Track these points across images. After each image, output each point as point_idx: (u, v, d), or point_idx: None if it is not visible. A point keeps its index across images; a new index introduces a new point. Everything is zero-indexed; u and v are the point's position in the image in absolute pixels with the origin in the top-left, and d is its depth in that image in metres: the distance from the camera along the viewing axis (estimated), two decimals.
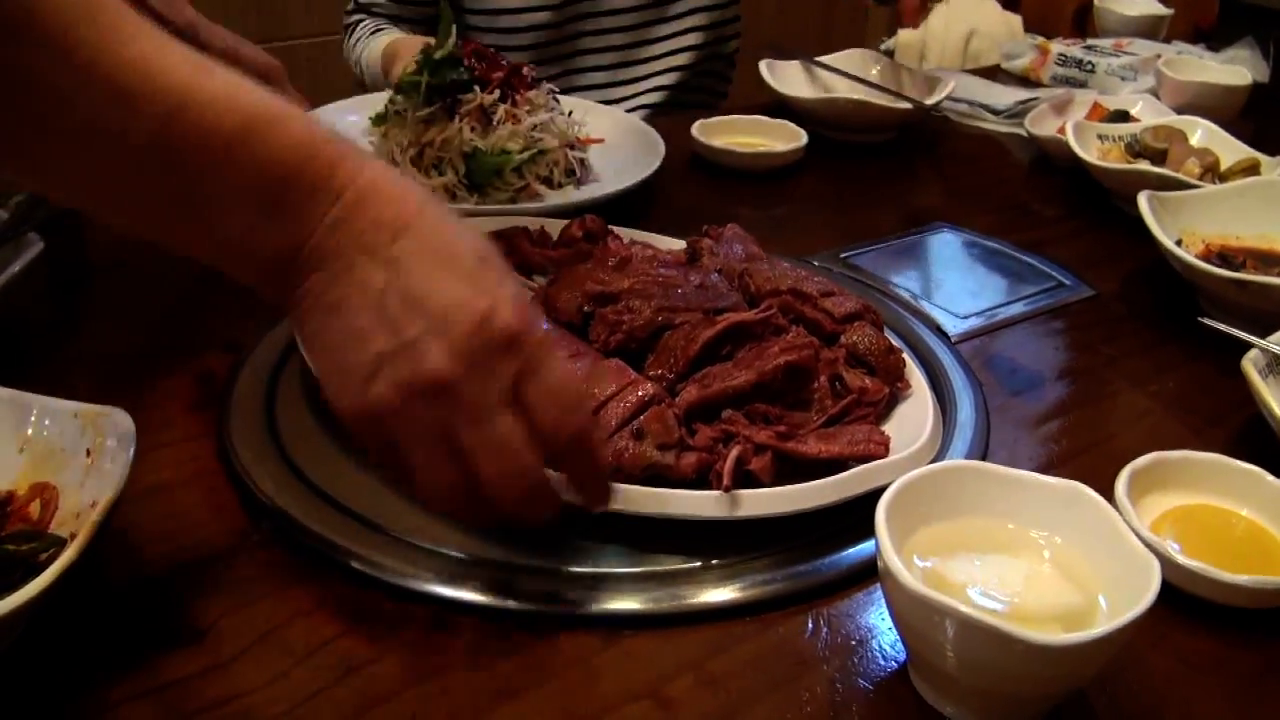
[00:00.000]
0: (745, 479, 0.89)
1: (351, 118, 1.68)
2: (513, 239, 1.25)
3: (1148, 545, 0.74)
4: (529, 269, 1.22)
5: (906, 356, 1.07)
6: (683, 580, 0.84)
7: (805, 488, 0.88)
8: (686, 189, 1.68)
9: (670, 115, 2.08)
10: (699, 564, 0.86)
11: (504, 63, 1.58)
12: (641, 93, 2.12)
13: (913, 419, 1.00)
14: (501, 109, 1.51)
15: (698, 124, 1.77)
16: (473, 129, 1.50)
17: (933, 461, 0.99)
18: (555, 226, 1.30)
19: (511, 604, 0.81)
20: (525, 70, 1.59)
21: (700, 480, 0.89)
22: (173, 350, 1.15)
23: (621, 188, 1.48)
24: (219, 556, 0.86)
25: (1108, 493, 0.87)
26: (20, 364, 1.10)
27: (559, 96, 1.64)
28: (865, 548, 0.88)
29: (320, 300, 0.73)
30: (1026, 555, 0.78)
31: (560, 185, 1.53)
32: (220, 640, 0.78)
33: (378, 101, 1.61)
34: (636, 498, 0.86)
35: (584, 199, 1.47)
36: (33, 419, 0.87)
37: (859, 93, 1.91)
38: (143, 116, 0.67)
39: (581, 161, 1.58)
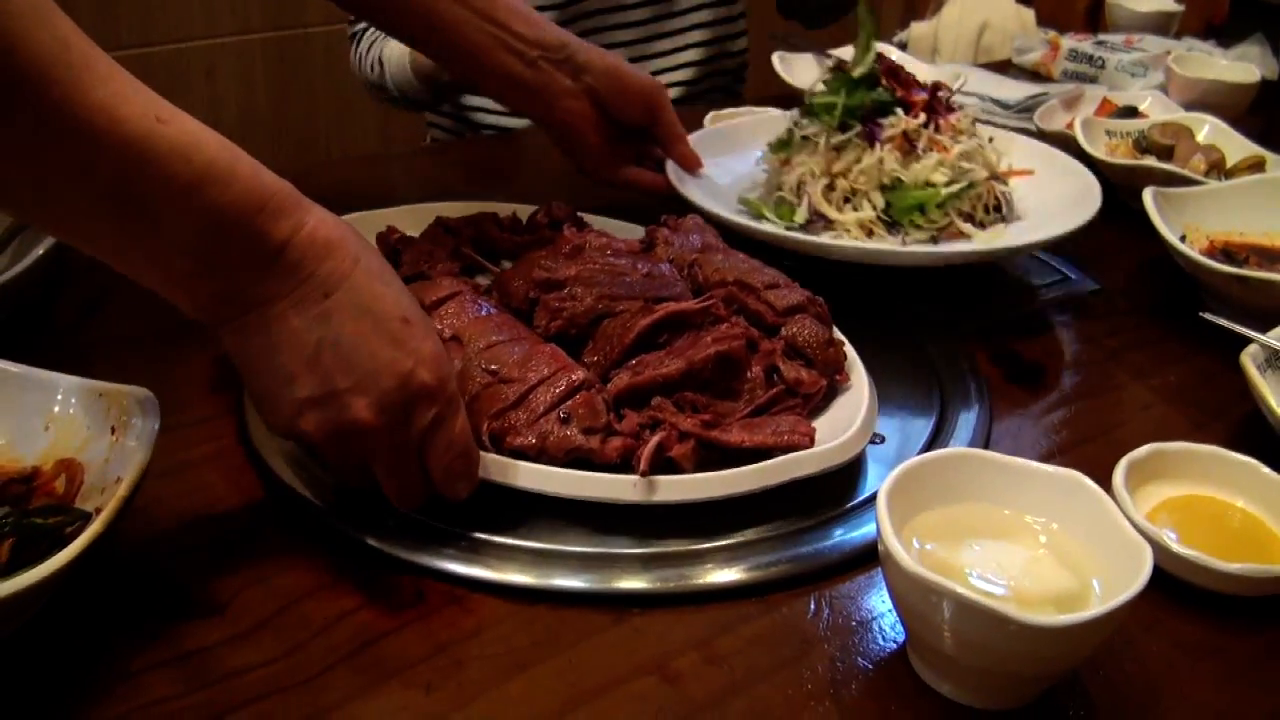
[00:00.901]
0: (669, 466, 0.91)
1: None
2: (481, 224, 1.27)
3: (1143, 533, 0.76)
4: (496, 254, 1.24)
5: (849, 350, 1.07)
6: (689, 561, 0.86)
7: (721, 475, 0.90)
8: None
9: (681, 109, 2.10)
10: (705, 546, 0.88)
11: (920, 82, 1.44)
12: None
13: (849, 412, 1.01)
14: (925, 135, 1.37)
15: (710, 115, 1.79)
16: (896, 158, 1.36)
17: (924, 451, 1.02)
18: (525, 214, 1.31)
19: (522, 580, 0.84)
20: (942, 90, 1.44)
21: (625, 465, 0.90)
22: (191, 334, 1.15)
23: (1060, 232, 1.28)
24: (239, 532, 0.89)
25: (1106, 482, 0.89)
26: (42, 347, 1.12)
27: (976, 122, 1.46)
28: (867, 532, 0.90)
29: (252, 339, 0.80)
30: (1023, 541, 0.80)
31: (983, 224, 1.37)
32: (240, 612, 0.81)
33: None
34: (557, 479, 0.89)
35: (1018, 243, 1.29)
36: (59, 398, 0.90)
37: None
38: (104, 160, 0.70)
39: (1008, 197, 1.42)
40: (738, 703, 0.75)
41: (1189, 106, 1.90)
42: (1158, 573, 0.71)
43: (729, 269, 1.13)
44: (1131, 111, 1.86)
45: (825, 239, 1.31)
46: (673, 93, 2.13)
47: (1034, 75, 2.31)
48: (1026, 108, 2.00)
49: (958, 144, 1.37)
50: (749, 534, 0.90)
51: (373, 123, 3.21)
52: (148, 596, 0.82)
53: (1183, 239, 1.32)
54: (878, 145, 1.35)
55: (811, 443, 0.94)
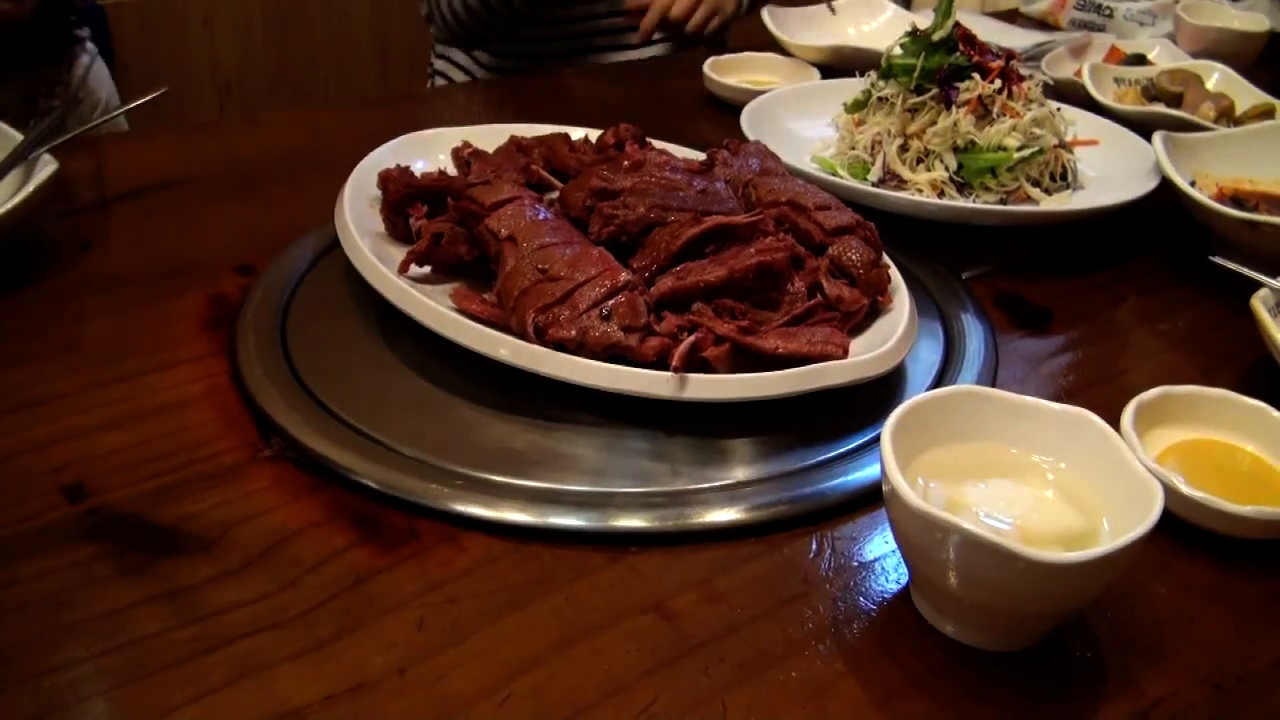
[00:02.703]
0: (703, 367, 0.91)
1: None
2: (552, 144, 1.28)
3: (1151, 473, 0.74)
4: (566, 175, 1.23)
5: (895, 274, 1.08)
6: (689, 500, 0.85)
7: (752, 378, 0.91)
8: (696, 128, 1.69)
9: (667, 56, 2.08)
10: (705, 485, 0.86)
11: (993, 49, 1.45)
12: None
13: (888, 331, 1.01)
14: (1000, 100, 1.38)
15: (710, 61, 1.77)
16: (970, 121, 1.37)
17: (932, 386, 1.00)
18: (594, 136, 1.32)
19: (519, 519, 0.82)
20: (1015, 58, 1.45)
21: (661, 364, 0.91)
22: (185, 273, 1.15)
23: (1122, 200, 1.31)
24: (230, 469, 0.87)
25: (1114, 425, 0.87)
26: (35, 284, 1.11)
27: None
28: (870, 473, 0.88)
29: None
30: (1031, 480, 0.78)
31: (1049, 191, 1.39)
32: (230, 549, 0.79)
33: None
34: (592, 370, 0.90)
35: (1081, 207, 1.33)
36: None
37: (867, 41, 1.90)
38: None
39: (1073, 165, 1.44)
40: (736, 641, 0.74)
41: (1197, 55, 1.87)
42: (1166, 516, 0.70)
43: (783, 190, 1.13)
44: (1140, 59, 1.83)
45: (901, 195, 1.32)
46: (657, 48, 2.11)
47: (1041, 24, 2.28)
48: (1034, 55, 1.97)
49: (1029, 111, 1.39)
50: (750, 471, 0.89)
51: (373, 70, 3.19)
52: (134, 533, 0.80)
53: (1192, 184, 1.30)
54: (953, 108, 1.37)
55: (845, 354, 0.94)
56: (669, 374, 0.89)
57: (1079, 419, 0.78)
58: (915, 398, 0.78)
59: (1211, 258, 1.13)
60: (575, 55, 2.08)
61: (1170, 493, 0.81)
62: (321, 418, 0.91)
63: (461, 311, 0.99)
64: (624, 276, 0.96)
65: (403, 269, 1.04)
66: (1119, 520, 0.73)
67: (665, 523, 0.83)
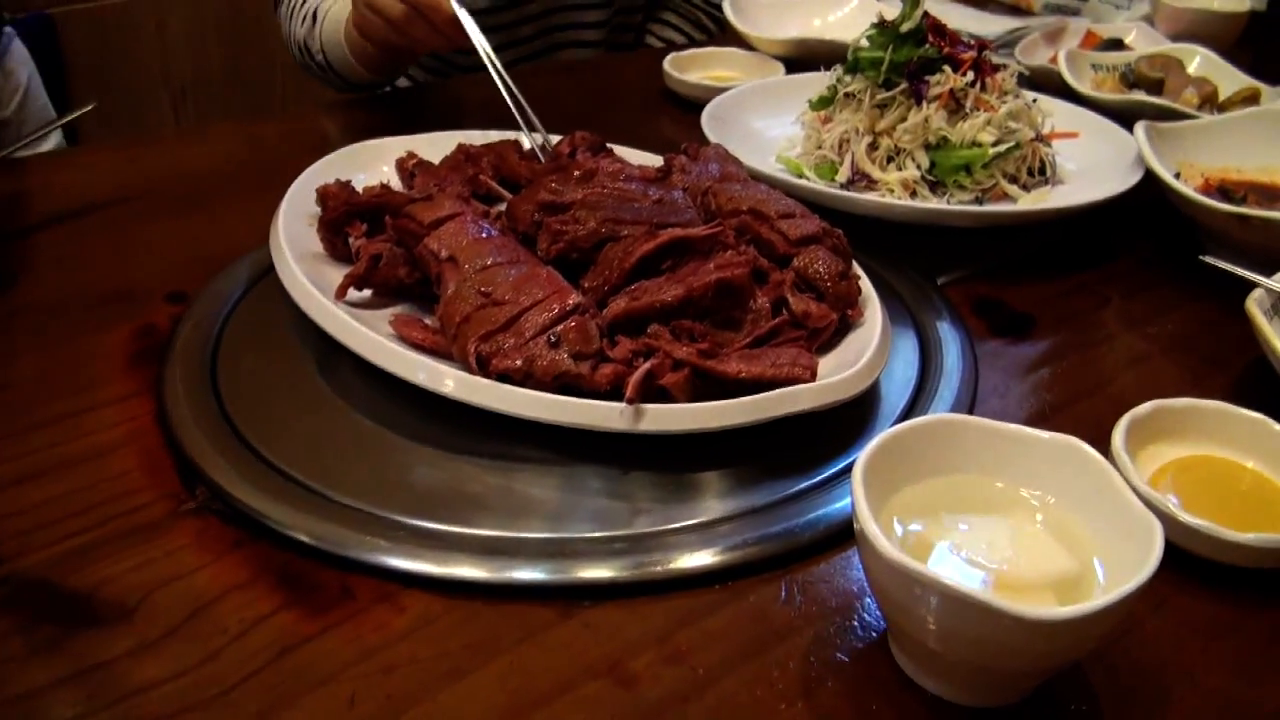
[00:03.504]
0: (661, 395, 0.85)
1: None
2: (502, 152, 1.22)
3: (1147, 502, 0.68)
4: (517, 185, 1.17)
5: (865, 285, 1.01)
6: (648, 545, 0.78)
7: (713, 406, 0.84)
8: (656, 128, 1.62)
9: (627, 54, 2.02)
10: (666, 527, 0.80)
11: (965, 39, 1.38)
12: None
13: (859, 348, 0.95)
14: (973, 94, 1.31)
15: (670, 57, 1.70)
16: (942, 116, 1.30)
17: (912, 411, 0.94)
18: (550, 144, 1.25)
19: (461, 574, 0.75)
20: (988, 48, 1.38)
21: (616, 393, 0.84)
22: (115, 302, 1.08)
23: (1104, 196, 1.24)
24: (151, 525, 0.80)
25: (1105, 443, 0.82)
26: None
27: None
28: (843, 506, 0.82)
29: None
30: (1017, 516, 0.72)
31: (1027, 187, 1.32)
32: (150, 617, 0.72)
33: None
34: (540, 403, 0.83)
35: (1061, 205, 1.24)
36: None
37: (834, 32, 1.84)
38: None
39: (1051, 160, 1.37)
40: (700, 706, 0.67)
41: (1176, 38, 1.82)
42: (1165, 545, 0.63)
43: (744, 198, 1.06)
44: (1117, 44, 1.77)
45: (870, 198, 1.25)
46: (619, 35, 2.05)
47: (1013, 9, 2.21)
48: (1007, 42, 1.91)
49: (1004, 103, 1.32)
50: (714, 508, 0.82)
51: None
52: (47, 602, 0.73)
53: (1177, 176, 1.23)
54: (924, 103, 1.30)
55: (813, 376, 0.88)
56: (623, 405, 0.82)
57: (1069, 448, 0.72)
58: (888, 431, 0.72)
59: (1202, 258, 1.07)
60: (535, 55, 2.01)
61: (1168, 520, 0.75)
62: (250, 463, 0.84)
63: (402, 339, 0.92)
64: (573, 299, 0.89)
65: (339, 294, 0.97)
66: (1114, 560, 0.67)
67: (622, 572, 0.76)
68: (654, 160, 1.19)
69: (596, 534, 0.79)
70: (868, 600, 0.75)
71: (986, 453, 0.73)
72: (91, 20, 2.82)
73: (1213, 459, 0.87)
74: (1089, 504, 0.70)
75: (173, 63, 2.92)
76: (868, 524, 0.64)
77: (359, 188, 1.11)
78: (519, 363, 0.84)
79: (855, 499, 0.66)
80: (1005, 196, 1.30)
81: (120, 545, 0.78)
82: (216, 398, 0.92)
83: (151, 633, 0.71)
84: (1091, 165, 1.38)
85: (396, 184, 1.19)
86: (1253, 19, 1.94)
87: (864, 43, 1.36)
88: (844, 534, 0.80)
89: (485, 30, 1.31)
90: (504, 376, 0.85)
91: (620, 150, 1.22)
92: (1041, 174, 1.34)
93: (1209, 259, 1.06)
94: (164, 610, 0.73)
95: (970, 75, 1.31)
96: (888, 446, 0.71)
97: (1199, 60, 1.63)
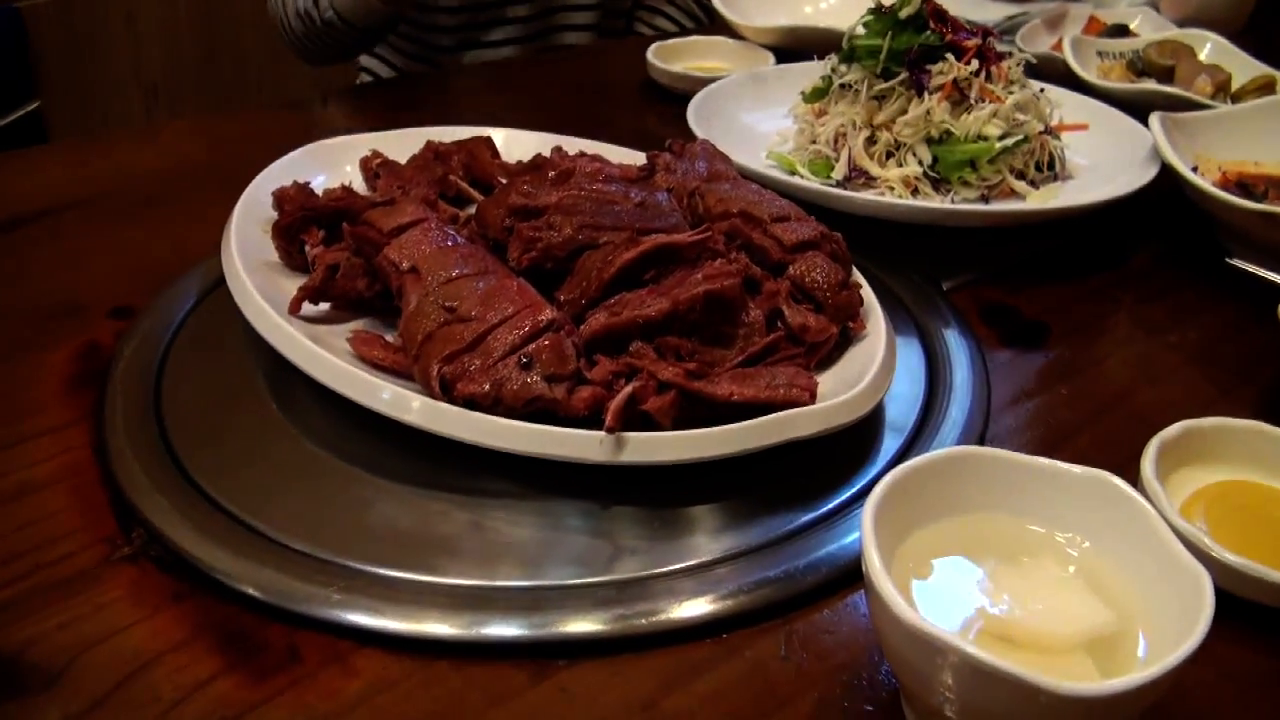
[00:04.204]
0: (645, 421, 0.77)
1: None
2: (472, 149, 1.15)
3: (1186, 541, 0.60)
4: (487, 183, 1.10)
5: (867, 294, 0.94)
6: (631, 594, 0.70)
7: (702, 434, 0.76)
8: (639, 121, 1.54)
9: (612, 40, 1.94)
10: (652, 572, 0.72)
11: (967, 25, 1.29)
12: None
13: (862, 365, 0.87)
14: (978, 84, 1.23)
15: (654, 47, 1.62)
16: (945, 108, 1.22)
17: (921, 431, 0.87)
18: (526, 139, 1.19)
19: (425, 630, 0.67)
20: (992, 35, 1.29)
21: (595, 419, 0.76)
22: (57, 318, 1.00)
23: (1119, 194, 1.15)
24: (83, 574, 0.72)
25: (1132, 464, 0.76)
26: None
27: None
28: (849, 544, 0.74)
29: None
30: (1046, 561, 0.64)
31: (1034, 183, 1.24)
32: (79, 682, 0.65)
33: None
34: (510, 432, 0.75)
35: (1073, 204, 1.16)
36: None
37: (827, 19, 1.76)
38: None
39: (1060, 153, 1.29)
40: None
41: (1182, 23, 1.74)
42: None
43: (735, 199, 0.98)
44: (1122, 30, 1.70)
45: (868, 196, 1.17)
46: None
47: None
48: (1006, 29, 1.83)
49: (1010, 94, 1.23)
50: (705, 549, 0.74)
51: (305, 72, 3.02)
52: None
53: (1194, 170, 1.16)
54: (925, 94, 1.22)
55: (812, 398, 0.80)
56: (602, 434, 0.74)
57: (1103, 486, 0.64)
58: (900, 468, 0.64)
59: (1230, 260, 0.99)
60: (512, 41, 1.93)
61: (1210, 562, 0.67)
62: (193, 502, 0.77)
63: (361, 359, 0.84)
64: (547, 314, 0.81)
65: (293, 308, 0.89)
66: (1156, 616, 0.59)
67: (603, 626, 0.68)
68: (636, 158, 1.11)
69: (576, 580, 0.71)
70: (877, 656, 0.67)
71: (1010, 489, 0.66)
72: (61, 10, 2.74)
73: (1247, 485, 0.80)
74: (1126, 549, 0.62)
75: (143, 57, 2.83)
76: (881, 582, 0.56)
77: (319, 190, 1.03)
78: (486, 386, 0.76)
79: (865, 550, 0.58)
80: (1012, 193, 1.22)
81: (48, 599, 0.70)
82: (159, 426, 0.84)
83: (79, 701, 0.63)
84: (1102, 159, 1.30)
85: (360, 185, 1.11)
86: (1260, 2, 1.87)
87: (860, 30, 1.28)
88: (850, 575, 0.72)
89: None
90: (470, 402, 0.77)
91: (600, 147, 1.14)
92: (1050, 168, 1.26)
93: (1237, 262, 0.98)
94: (93, 675, 0.65)
95: (975, 64, 1.23)
96: (899, 485, 0.63)
97: (1210, 46, 1.56)
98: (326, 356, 0.81)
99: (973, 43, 1.24)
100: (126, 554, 0.74)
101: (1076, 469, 0.65)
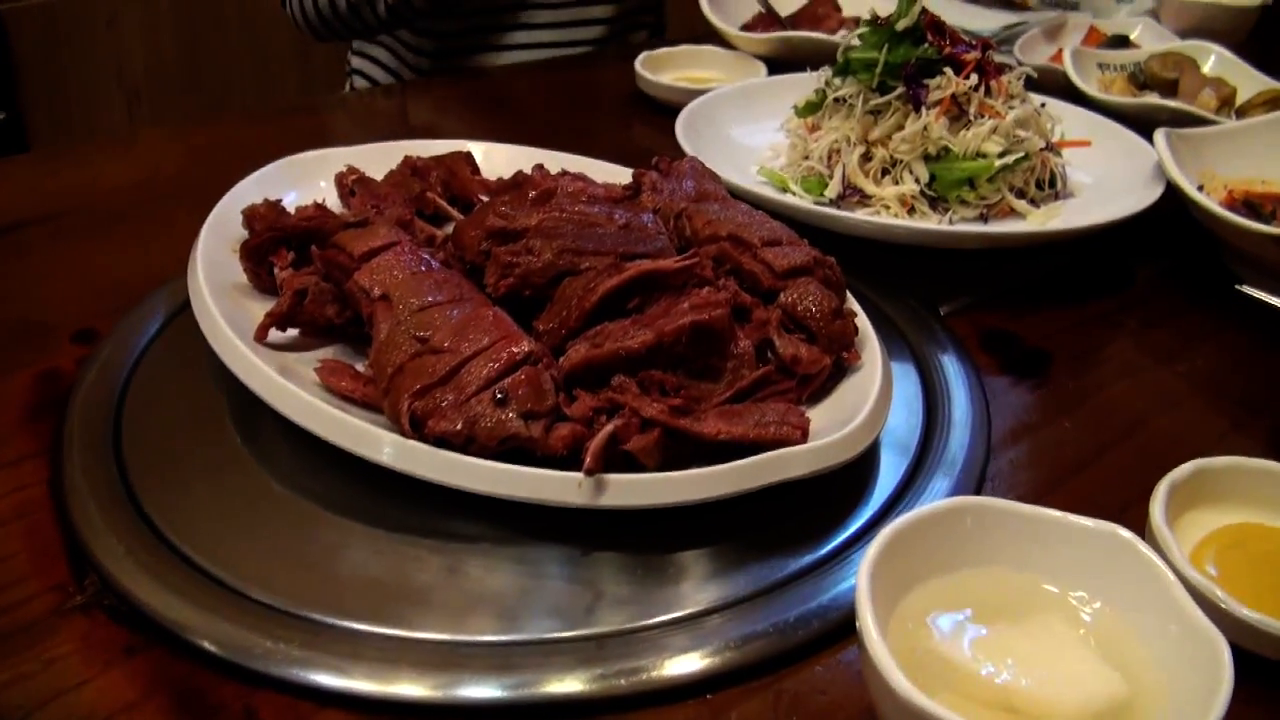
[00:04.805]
0: (627, 462, 0.73)
1: None
2: (451, 165, 1.10)
3: (1196, 591, 0.56)
4: (467, 200, 1.06)
5: (862, 322, 0.90)
6: (610, 650, 0.66)
7: (688, 476, 0.72)
8: (627, 134, 1.50)
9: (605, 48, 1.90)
10: (632, 626, 0.68)
11: (967, 39, 1.24)
12: (587, 22, 1.91)
13: (857, 398, 0.82)
14: (977, 99, 1.18)
15: (642, 56, 1.58)
16: (943, 124, 1.17)
17: (918, 469, 0.83)
18: (506, 154, 1.14)
19: (396, 692, 0.63)
20: (992, 48, 1.24)
21: (574, 458, 0.72)
22: (15, 341, 0.96)
23: (1123, 214, 1.11)
24: (33, 625, 0.68)
25: (1139, 503, 0.73)
26: None
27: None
28: (843, 592, 0.70)
29: None
30: (1055, 623, 0.60)
31: (1035, 201, 1.19)
32: None
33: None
34: (483, 473, 0.71)
35: (1076, 225, 1.12)
36: None
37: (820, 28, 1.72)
38: None
39: (1062, 171, 1.24)
40: None
41: (1184, 34, 1.71)
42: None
43: (724, 221, 0.94)
44: (1122, 41, 1.66)
45: (863, 217, 1.12)
46: (594, 31, 1.91)
47: (1008, 3, 2.09)
48: (1004, 40, 1.79)
49: (1011, 109, 1.19)
50: (689, 599, 0.70)
51: (293, 73, 2.98)
52: None
53: (1200, 189, 1.12)
54: (923, 109, 1.17)
55: (804, 436, 0.76)
56: (582, 475, 0.70)
57: (1116, 542, 0.60)
58: (897, 521, 0.60)
59: (1240, 287, 0.95)
60: (501, 49, 1.89)
61: (1217, 612, 0.63)
62: (150, 547, 0.72)
63: (329, 390, 0.80)
64: (524, 346, 0.77)
65: (259, 335, 0.85)
66: (1171, 686, 0.55)
67: (583, 686, 0.64)
68: (622, 174, 1.07)
69: (555, 635, 0.67)
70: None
71: (1015, 542, 0.62)
72: (44, 13, 2.69)
73: (1259, 529, 0.76)
74: (1140, 611, 0.59)
75: (126, 61, 2.79)
76: (876, 651, 0.52)
77: (292, 207, 0.99)
78: (459, 424, 0.72)
79: (860, 615, 0.54)
80: (1012, 213, 1.18)
81: None
82: (118, 462, 0.80)
83: None
84: (1105, 176, 1.26)
85: (335, 202, 1.07)
86: (1264, 14, 1.83)
87: (855, 42, 1.24)
88: (844, 628, 0.68)
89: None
90: (442, 440, 0.73)
91: (585, 163, 1.10)
92: (1051, 186, 1.21)
93: (1248, 289, 0.94)
94: None
95: (974, 78, 1.18)
96: (896, 540, 0.59)
97: (1214, 59, 1.52)
98: (292, 389, 0.76)
99: (972, 56, 1.20)
100: (78, 603, 0.70)
101: (1088, 522, 0.61)
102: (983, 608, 0.60)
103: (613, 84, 1.65)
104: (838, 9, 1.77)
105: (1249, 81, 1.45)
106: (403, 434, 0.73)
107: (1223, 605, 0.66)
